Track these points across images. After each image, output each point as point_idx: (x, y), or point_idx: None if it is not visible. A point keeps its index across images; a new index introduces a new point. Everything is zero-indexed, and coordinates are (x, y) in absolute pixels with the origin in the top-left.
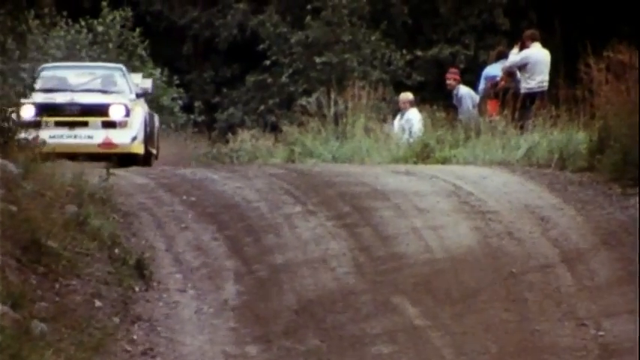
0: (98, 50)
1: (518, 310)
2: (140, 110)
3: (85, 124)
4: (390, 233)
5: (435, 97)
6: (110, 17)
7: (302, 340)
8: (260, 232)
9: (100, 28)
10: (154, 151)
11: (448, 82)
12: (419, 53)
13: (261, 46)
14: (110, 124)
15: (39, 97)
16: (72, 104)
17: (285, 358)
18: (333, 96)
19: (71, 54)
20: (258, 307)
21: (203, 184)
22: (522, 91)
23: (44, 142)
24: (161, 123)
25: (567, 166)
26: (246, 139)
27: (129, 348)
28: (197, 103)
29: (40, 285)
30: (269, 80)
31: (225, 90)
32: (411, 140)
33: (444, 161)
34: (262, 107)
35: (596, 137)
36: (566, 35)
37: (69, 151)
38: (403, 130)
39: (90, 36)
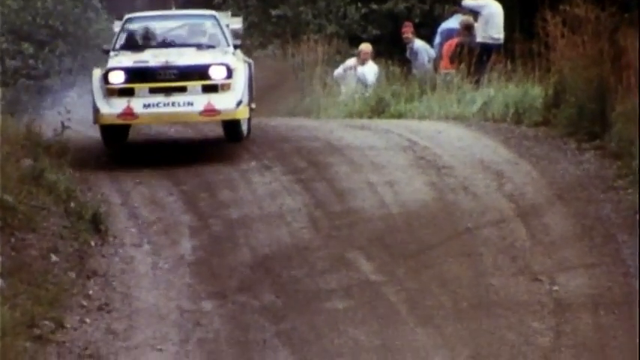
0: (53, 1)
1: (473, 265)
2: (242, 67)
3: (183, 90)
4: (346, 188)
5: (390, 51)
6: None
7: (257, 295)
8: (215, 187)
9: None
10: (254, 106)
11: (405, 35)
12: (374, 7)
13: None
14: (211, 88)
15: (127, 58)
16: (167, 67)
17: (241, 314)
18: (289, 49)
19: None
20: (214, 262)
21: (159, 138)
22: (478, 40)
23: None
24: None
25: (523, 120)
26: None
27: (84, 303)
28: None
29: None
30: None
31: None
32: (367, 94)
33: (400, 116)
34: None
35: (551, 91)
36: None
37: (167, 121)
38: (360, 82)
39: None
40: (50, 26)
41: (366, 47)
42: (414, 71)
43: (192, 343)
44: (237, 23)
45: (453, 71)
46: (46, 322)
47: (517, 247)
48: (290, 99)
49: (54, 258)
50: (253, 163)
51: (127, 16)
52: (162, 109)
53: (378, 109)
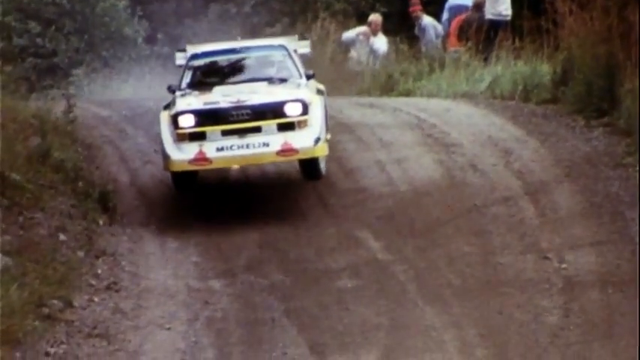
0: None
1: (481, 244)
2: (318, 101)
3: (257, 130)
4: (354, 166)
5: (398, 28)
6: None
7: (265, 274)
8: (224, 167)
9: None
10: (329, 137)
11: (414, 12)
12: None
13: None
14: (287, 126)
15: (196, 99)
16: (240, 107)
17: (249, 293)
18: (298, 27)
19: None
20: (222, 241)
21: None
22: (487, 17)
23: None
24: (123, 54)
25: (531, 98)
26: None
27: (93, 282)
28: (159, 35)
29: (4, 218)
30: (232, 11)
31: (187, 21)
32: (376, 66)
33: (408, 94)
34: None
35: (559, 69)
36: None
37: (242, 163)
38: (371, 53)
39: None
40: (57, 4)
41: (376, 18)
42: (423, 48)
43: (200, 322)
44: (305, 47)
45: (461, 48)
46: (55, 302)
47: (525, 225)
48: None
49: (62, 237)
50: None
51: (191, 52)
52: (236, 152)
53: (387, 87)
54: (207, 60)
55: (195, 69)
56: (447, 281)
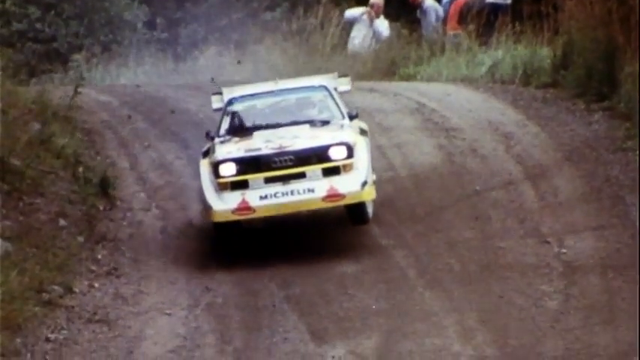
0: None
1: (482, 228)
2: (363, 142)
3: (301, 176)
4: None
5: (399, 13)
6: None
7: (267, 261)
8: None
9: None
10: (374, 177)
11: None
12: None
13: None
14: (332, 171)
15: (236, 147)
16: (282, 153)
17: (251, 281)
18: (299, 11)
19: None
20: None
21: (167, 102)
22: (487, 0)
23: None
24: (123, 39)
25: (531, 82)
26: (210, 56)
27: (93, 268)
28: (159, 20)
29: (4, 204)
30: None
31: (187, 5)
32: (376, 48)
33: (409, 78)
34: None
35: (560, 53)
36: None
37: (286, 211)
38: (374, 36)
39: None
40: None
41: (378, 1)
42: (424, 32)
43: (201, 307)
44: (345, 84)
45: (460, 32)
46: (55, 287)
47: (525, 210)
48: (298, 60)
49: (62, 222)
50: None
51: (228, 97)
52: (280, 200)
53: (388, 71)
54: (246, 104)
55: (234, 115)
56: (448, 266)
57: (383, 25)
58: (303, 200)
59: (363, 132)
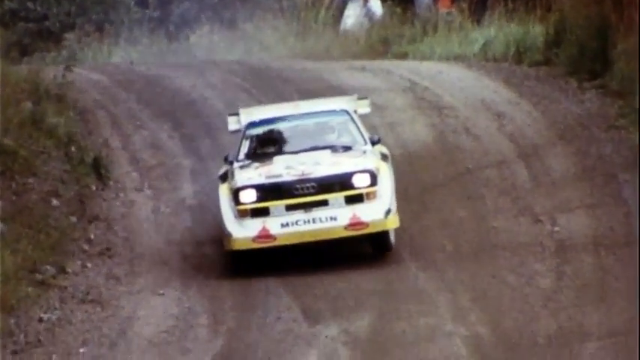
0: None
1: (475, 208)
2: (386, 169)
3: (324, 203)
4: None
5: None
6: None
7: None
8: (216, 130)
9: None
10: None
11: None
12: None
13: None
14: (356, 198)
15: (256, 173)
16: (305, 180)
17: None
18: None
19: None
20: (215, 206)
21: (159, 81)
22: None
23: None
24: (115, 17)
25: (524, 60)
26: (202, 34)
27: (86, 247)
28: None
29: None
30: None
31: None
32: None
33: (401, 57)
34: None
35: (552, 30)
36: None
37: (308, 239)
38: (367, 15)
39: None
40: None
41: None
42: (417, 10)
43: (194, 288)
44: (364, 107)
45: (453, 10)
46: (48, 267)
47: (518, 189)
48: (289, 39)
49: (55, 202)
50: (254, 105)
51: (247, 121)
52: (302, 228)
53: (381, 50)
54: (265, 128)
55: (253, 139)
56: (441, 245)
57: (377, 4)
58: (325, 228)
59: (384, 157)
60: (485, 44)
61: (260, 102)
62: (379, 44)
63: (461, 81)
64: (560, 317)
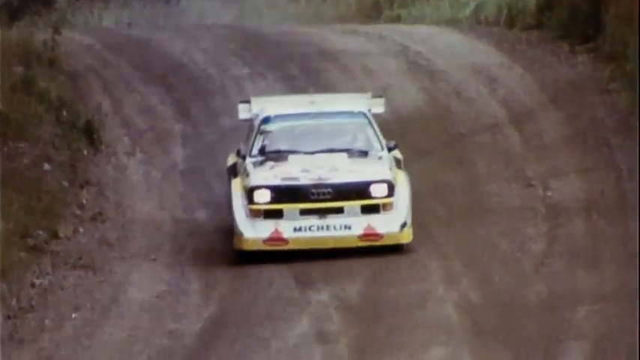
0: None
1: (467, 172)
2: (404, 180)
3: (339, 211)
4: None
5: None
6: None
7: None
8: (208, 95)
9: None
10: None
11: None
12: None
13: None
14: (372, 209)
15: (271, 173)
16: (321, 185)
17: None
18: None
19: None
20: (207, 171)
21: (150, 45)
22: None
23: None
24: None
25: (516, 23)
26: None
27: (78, 212)
28: None
29: None
30: None
31: None
32: None
33: (393, 20)
34: None
35: None
36: None
37: (321, 246)
38: None
39: None
40: None
41: None
42: None
43: (186, 253)
44: (379, 106)
45: None
46: (40, 232)
47: (510, 153)
48: (281, 3)
49: (47, 167)
50: (246, 70)
51: (263, 115)
52: (315, 234)
53: (372, 14)
54: (281, 125)
55: (268, 135)
56: (433, 210)
57: None
58: (339, 237)
59: (398, 162)
60: (477, 8)
61: (252, 67)
62: (370, 8)
63: (453, 45)
64: (552, 282)
